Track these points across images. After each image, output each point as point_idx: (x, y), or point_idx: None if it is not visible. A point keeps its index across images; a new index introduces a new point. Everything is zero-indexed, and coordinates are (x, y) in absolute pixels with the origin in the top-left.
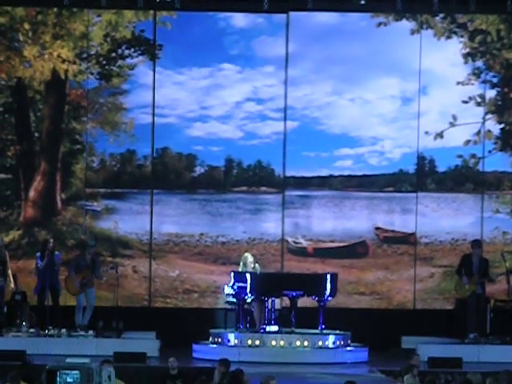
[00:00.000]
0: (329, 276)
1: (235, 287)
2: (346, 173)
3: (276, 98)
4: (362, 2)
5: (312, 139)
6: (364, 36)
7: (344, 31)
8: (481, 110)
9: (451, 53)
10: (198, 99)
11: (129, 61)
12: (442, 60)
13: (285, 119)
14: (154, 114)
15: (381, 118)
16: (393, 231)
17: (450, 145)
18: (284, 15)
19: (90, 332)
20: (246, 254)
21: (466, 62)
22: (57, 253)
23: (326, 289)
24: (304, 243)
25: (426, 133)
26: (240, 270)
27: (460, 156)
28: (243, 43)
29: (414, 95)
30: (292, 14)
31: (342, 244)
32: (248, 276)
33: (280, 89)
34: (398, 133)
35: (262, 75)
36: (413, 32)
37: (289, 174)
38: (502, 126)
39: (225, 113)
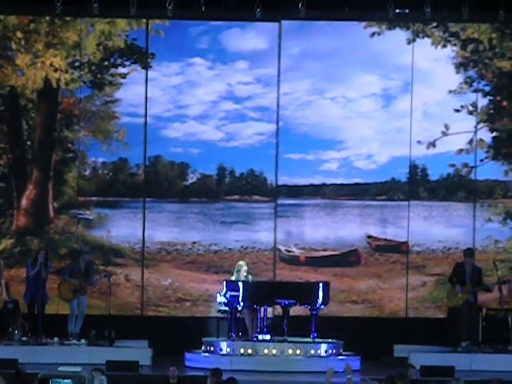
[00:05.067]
0: (321, 284)
1: (227, 296)
2: (338, 181)
3: (254, 97)
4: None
5: (294, 141)
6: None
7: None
8: (473, 119)
9: (443, 61)
10: (173, 98)
11: (121, 69)
12: (435, 68)
13: (277, 122)
14: (145, 122)
15: (366, 119)
16: (385, 240)
17: (443, 153)
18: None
19: (83, 340)
20: (241, 262)
21: (458, 72)
22: (49, 263)
23: (318, 297)
24: (296, 252)
25: (419, 142)
26: (233, 277)
27: (452, 165)
28: (211, 36)
29: (402, 100)
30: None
31: (334, 252)
32: (240, 285)
33: (256, 87)
34: (384, 135)
35: (235, 72)
36: (409, 41)
37: (281, 182)
38: (494, 134)
39: (202, 112)
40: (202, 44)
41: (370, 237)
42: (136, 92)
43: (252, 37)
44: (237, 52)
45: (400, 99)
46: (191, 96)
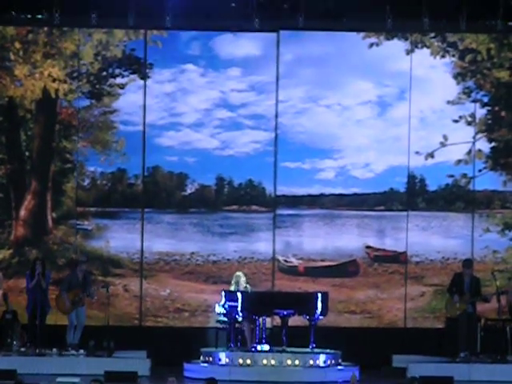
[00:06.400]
0: (320, 295)
1: (226, 306)
2: (337, 191)
3: (248, 105)
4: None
5: (290, 150)
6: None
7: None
8: (471, 129)
9: (441, 71)
10: (167, 105)
11: (119, 80)
12: (432, 78)
13: (275, 130)
14: (144, 132)
15: (362, 127)
16: (383, 250)
17: (441, 164)
18: (274, 34)
19: (81, 351)
20: (239, 273)
21: (457, 83)
22: (47, 271)
23: (316, 308)
24: (295, 262)
25: (417, 153)
26: (232, 288)
27: (451, 175)
28: (203, 42)
29: (398, 108)
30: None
31: (332, 263)
32: (239, 295)
33: (250, 95)
34: (381, 144)
35: (228, 79)
36: (408, 52)
37: (279, 192)
38: (493, 145)
39: (197, 120)
40: (194, 50)
41: (368, 247)
42: (131, 100)
43: (244, 43)
44: (229, 59)
45: (397, 107)
46: (185, 104)
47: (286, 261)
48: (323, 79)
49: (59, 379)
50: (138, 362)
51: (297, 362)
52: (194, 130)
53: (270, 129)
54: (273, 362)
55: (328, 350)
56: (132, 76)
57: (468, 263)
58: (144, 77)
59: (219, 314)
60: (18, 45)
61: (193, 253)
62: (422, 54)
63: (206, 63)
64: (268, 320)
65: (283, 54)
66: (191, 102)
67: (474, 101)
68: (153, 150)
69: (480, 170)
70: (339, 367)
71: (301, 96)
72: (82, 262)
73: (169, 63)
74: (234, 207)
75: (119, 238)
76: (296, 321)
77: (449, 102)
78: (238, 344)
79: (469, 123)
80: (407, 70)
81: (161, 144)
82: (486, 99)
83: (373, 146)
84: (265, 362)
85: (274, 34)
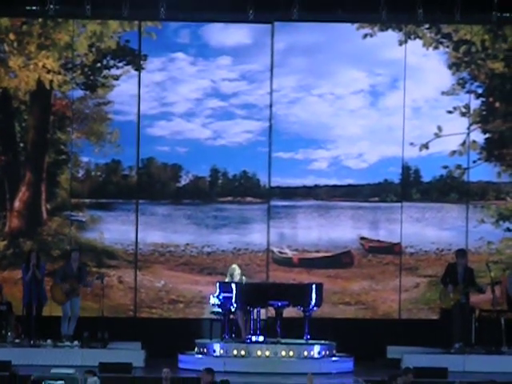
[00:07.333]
0: (314, 286)
1: (221, 297)
2: (331, 182)
3: (239, 94)
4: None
5: (283, 140)
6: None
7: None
8: (465, 120)
9: (436, 62)
10: (158, 95)
11: (114, 71)
12: (427, 69)
13: (270, 120)
14: (138, 124)
15: (354, 116)
16: (378, 241)
17: (435, 155)
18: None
19: (76, 342)
20: (234, 266)
21: (452, 73)
22: (41, 263)
23: (311, 299)
24: (289, 253)
25: (411, 144)
26: (227, 281)
27: (445, 167)
28: (192, 30)
29: (392, 99)
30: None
31: (327, 254)
32: (233, 286)
33: (241, 84)
34: (374, 134)
35: (218, 68)
36: (401, 43)
37: (274, 183)
38: (487, 136)
39: (188, 110)
40: (184, 39)
41: (362, 238)
42: (124, 90)
43: (234, 32)
44: (219, 47)
45: (389, 97)
46: (175, 93)
47: (280, 252)
48: (316, 68)
49: (53, 370)
50: (132, 354)
51: (291, 354)
52: (185, 119)
53: (262, 118)
54: (267, 353)
55: (322, 342)
56: (126, 67)
57: (461, 253)
58: (138, 68)
59: (214, 305)
60: (12, 36)
61: (187, 244)
62: (416, 44)
63: (195, 52)
64: (262, 311)
65: (275, 42)
66: (182, 92)
67: (469, 92)
68: (146, 140)
69: (474, 161)
70: (334, 358)
71: (293, 86)
72: (74, 250)
73: (159, 52)
74: (229, 198)
75: (113, 230)
76: (290, 312)
77: (443, 93)
78: (233, 335)
79: (463, 114)
80: (400, 60)
81: (153, 134)
82: (480, 90)
83: (366, 136)
84: (259, 353)
85: (265, 24)
